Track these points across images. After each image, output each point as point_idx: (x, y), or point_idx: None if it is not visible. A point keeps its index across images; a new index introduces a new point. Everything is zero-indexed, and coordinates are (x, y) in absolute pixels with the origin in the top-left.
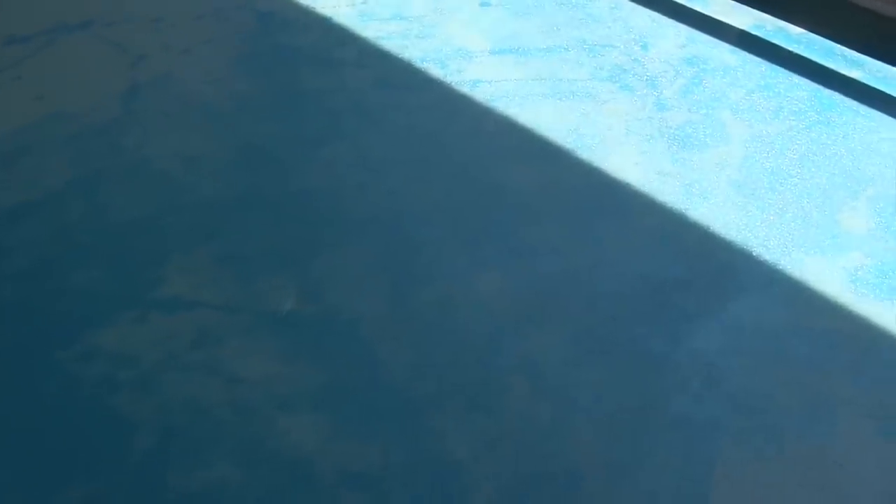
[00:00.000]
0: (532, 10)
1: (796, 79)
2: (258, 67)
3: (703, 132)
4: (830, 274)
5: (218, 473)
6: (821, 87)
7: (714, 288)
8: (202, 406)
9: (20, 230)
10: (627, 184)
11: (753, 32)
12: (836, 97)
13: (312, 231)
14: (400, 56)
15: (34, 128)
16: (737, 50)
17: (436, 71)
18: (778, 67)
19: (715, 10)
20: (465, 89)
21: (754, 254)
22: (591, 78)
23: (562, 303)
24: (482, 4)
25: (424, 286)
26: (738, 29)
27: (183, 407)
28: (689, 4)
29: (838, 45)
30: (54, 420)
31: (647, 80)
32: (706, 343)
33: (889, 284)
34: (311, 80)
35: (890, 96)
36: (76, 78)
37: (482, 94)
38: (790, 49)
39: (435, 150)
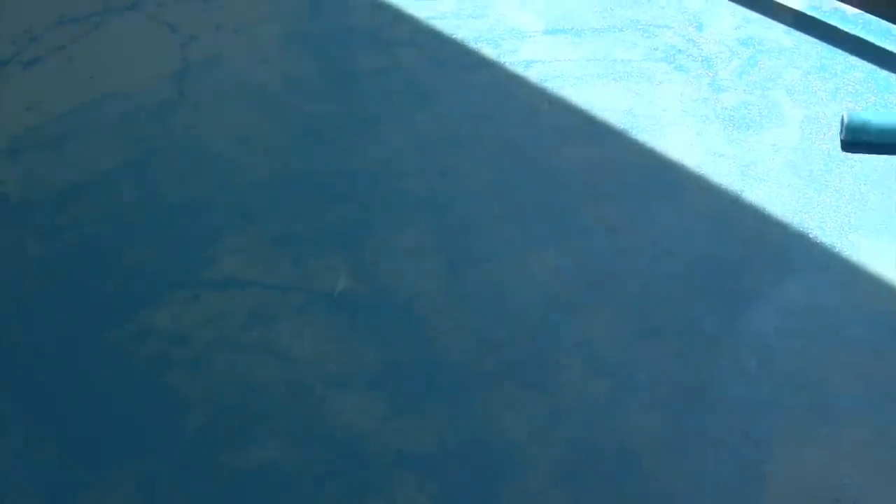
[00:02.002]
0: None
1: (853, 60)
2: (310, 47)
3: (758, 113)
4: (888, 256)
5: (271, 452)
6: (878, 69)
7: (770, 269)
8: (255, 385)
9: (72, 211)
10: (682, 165)
11: (809, 13)
12: (894, 79)
13: (366, 211)
14: (453, 36)
15: (86, 109)
16: (792, 31)
17: (489, 51)
18: (834, 48)
19: None
20: (519, 69)
21: (810, 235)
22: (645, 58)
23: (617, 283)
24: None
25: (479, 265)
26: (793, 10)
27: (236, 386)
28: None
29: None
30: (108, 399)
31: (702, 60)
32: (762, 324)
33: None
34: (365, 60)
35: None
36: (127, 58)
37: (536, 74)
38: (847, 30)
39: (489, 129)
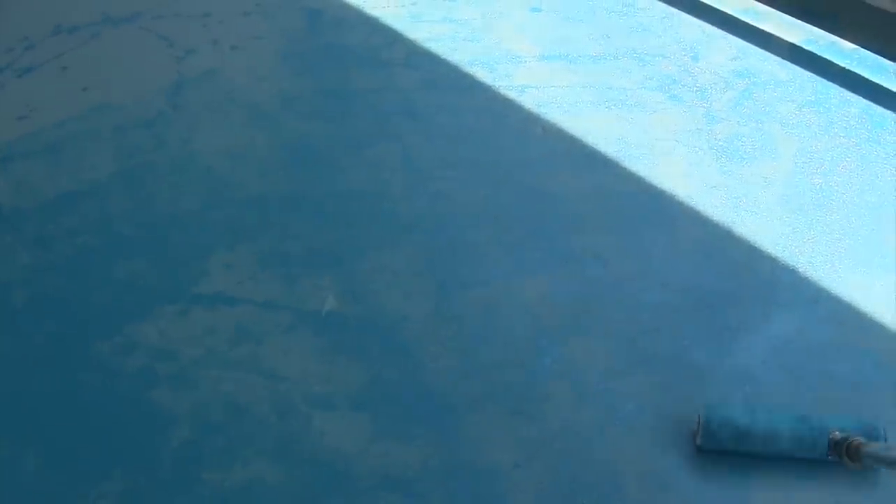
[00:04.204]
0: (583, 17)
1: (848, 95)
2: (306, 65)
3: (751, 145)
4: (877, 293)
5: (254, 471)
6: (873, 104)
7: (759, 302)
8: (240, 403)
9: (63, 221)
10: (674, 195)
11: (805, 47)
12: (888, 115)
13: (357, 231)
14: (449, 58)
15: (79, 119)
16: (788, 64)
17: (484, 74)
18: (829, 83)
19: (767, 23)
20: (514, 94)
21: (800, 270)
22: (640, 87)
23: (606, 311)
24: (532, 10)
25: (469, 289)
26: (789, 43)
27: (221, 403)
28: (741, 17)
29: (892, 63)
30: (92, 412)
31: (696, 91)
32: (749, 357)
33: None
34: (359, 80)
35: None
36: (122, 70)
37: (530, 99)
38: (842, 65)
39: (482, 153)
